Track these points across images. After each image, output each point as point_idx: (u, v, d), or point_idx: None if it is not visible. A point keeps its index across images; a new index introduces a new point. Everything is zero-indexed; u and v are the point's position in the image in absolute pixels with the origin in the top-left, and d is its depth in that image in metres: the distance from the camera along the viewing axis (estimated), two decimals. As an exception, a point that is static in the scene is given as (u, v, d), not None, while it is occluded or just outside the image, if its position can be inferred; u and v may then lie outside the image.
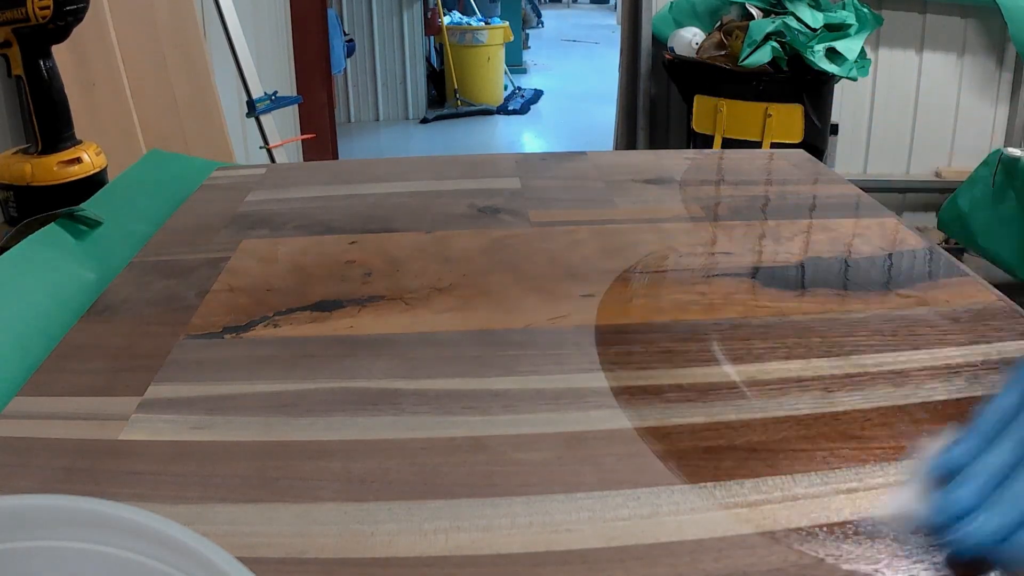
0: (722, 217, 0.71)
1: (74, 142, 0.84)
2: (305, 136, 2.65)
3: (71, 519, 0.27)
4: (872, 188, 0.79)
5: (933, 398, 0.44)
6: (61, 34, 0.81)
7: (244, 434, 0.42)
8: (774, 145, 2.48)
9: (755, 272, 0.60)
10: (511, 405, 0.44)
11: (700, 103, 2.63)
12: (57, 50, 0.83)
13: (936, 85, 2.67)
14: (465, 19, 4.99)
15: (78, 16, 0.81)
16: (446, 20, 4.80)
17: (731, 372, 0.47)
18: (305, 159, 2.85)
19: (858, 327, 0.52)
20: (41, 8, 0.77)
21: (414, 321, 0.54)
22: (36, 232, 0.65)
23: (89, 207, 0.70)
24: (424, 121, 4.67)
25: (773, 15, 2.46)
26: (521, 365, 0.48)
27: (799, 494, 0.37)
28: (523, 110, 4.89)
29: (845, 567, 0.33)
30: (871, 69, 2.59)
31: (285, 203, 0.77)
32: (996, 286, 0.59)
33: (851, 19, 2.42)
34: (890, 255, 0.64)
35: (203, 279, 0.61)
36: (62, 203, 0.74)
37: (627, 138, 3.09)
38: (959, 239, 2.34)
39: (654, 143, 3.14)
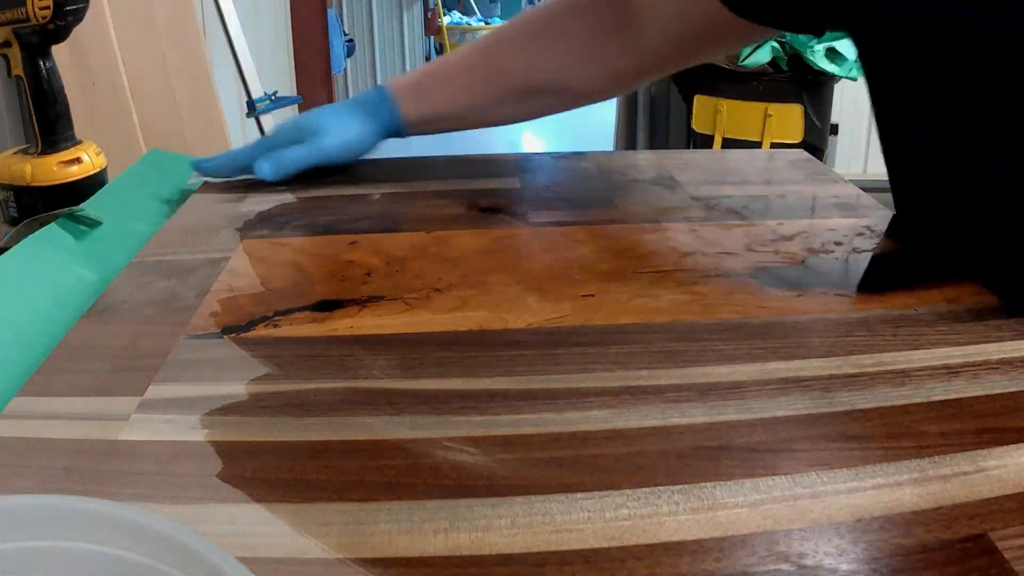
0: (722, 217, 0.71)
1: (74, 142, 0.84)
2: (305, 136, 2.64)
3: (71, 519, 0.27)
4: (872, 188, 0.79)
5: (933, 398, 0.44)
6: (61, 34, 0.81)
7: (244, 434, 0.42)
8: (774, 145, 2.48)
9: (755, 272, 0.60)
10: (511, 405, 0.44)
11: (700, 103, 2.63)
12: (57, 50, 0.83)
13: (936, 85, 2.66)
14: (465, 19, 4.99)
15: (78, 16, 0.81)
16: (446, 20, 4.80)
17: (731, 372, 0.47)
18: (305, 159, 2.84)
19: (858, 327, 0.52)
20: (41, 8, 0.77)
21: (414, 321, 0.54)
22: (36, 232, 0.65)
23: (89, 207, 0.70)
24: (424, 121, 4.66)
25: (773, 15, 2.45)
26: (521, 365, 0.48)
27: (799, 494, 0.37)
28: (523, 110, 4.88)
29: (845, 567, 0.33)
30: (871, 69, 2.58)
31: (285, 203, 0.77)
32: (996, 286, 0.59)
33: (851, 19, 2.42)
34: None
35: (203, 279, 0.61)
36: (62, 203, 0.74)
37: (627, 138, 3.09)
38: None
39: (654, 143, 3.14)
